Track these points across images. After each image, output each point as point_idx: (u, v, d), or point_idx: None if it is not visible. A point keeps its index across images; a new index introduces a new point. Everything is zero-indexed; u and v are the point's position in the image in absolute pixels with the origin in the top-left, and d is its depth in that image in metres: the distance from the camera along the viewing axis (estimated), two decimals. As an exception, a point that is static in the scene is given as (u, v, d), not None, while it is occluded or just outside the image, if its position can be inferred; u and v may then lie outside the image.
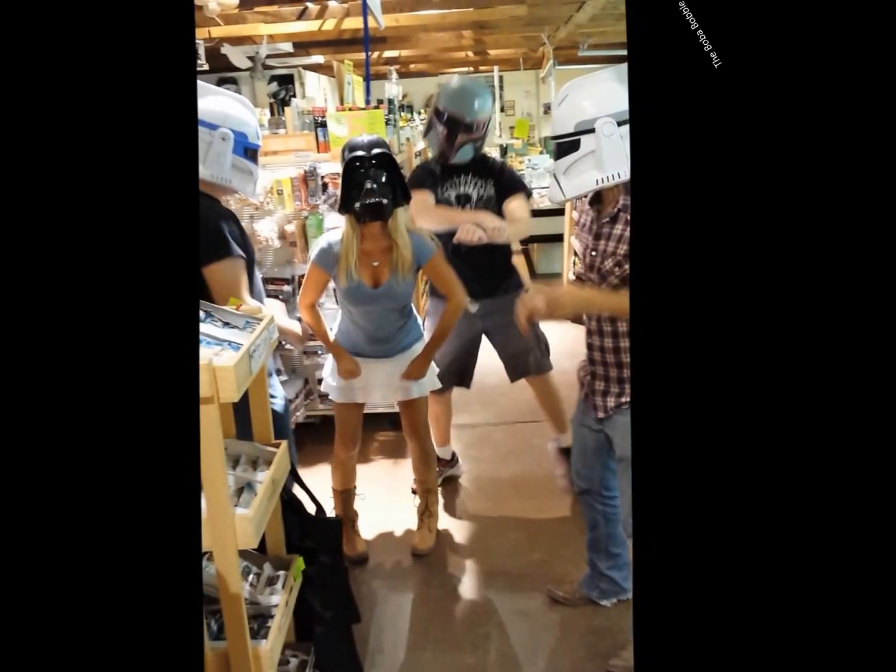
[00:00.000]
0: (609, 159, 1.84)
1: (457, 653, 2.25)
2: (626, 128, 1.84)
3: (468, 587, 2.57)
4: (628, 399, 1.97)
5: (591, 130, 1.84)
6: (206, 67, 5.80)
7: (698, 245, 0.89)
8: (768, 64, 0.85)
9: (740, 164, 0.87)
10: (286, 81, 7.76)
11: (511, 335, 2.88)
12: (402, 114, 5.12)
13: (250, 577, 1.72)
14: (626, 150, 1.85)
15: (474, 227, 2.58)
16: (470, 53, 9.40)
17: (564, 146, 1.90)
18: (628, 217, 1.91)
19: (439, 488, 3.05)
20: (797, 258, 0.86)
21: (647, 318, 0.92)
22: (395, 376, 2.57)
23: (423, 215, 2.73)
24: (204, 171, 2.09)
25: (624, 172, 1.86)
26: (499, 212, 2.78)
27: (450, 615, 2.44)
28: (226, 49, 5.37)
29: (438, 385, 2.73)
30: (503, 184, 2.82)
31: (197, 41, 5.55)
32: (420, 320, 2.71)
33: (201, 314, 1.66)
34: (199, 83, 2.21)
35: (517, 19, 6.37)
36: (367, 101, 3.86)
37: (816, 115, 0.84)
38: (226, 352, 1.51)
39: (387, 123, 3.62)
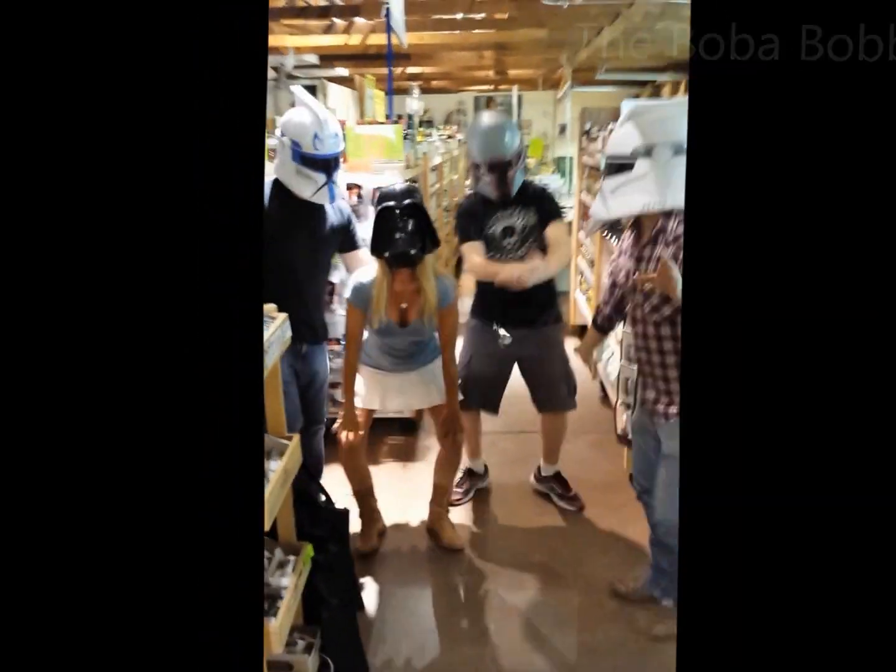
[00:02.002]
0: (660, 185, 1.92)
1: (457, 644, 2.34)
2: (682, 157, 1.91)
3: (470, 584, 2.67)
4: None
5: (648, 155, 1.92)
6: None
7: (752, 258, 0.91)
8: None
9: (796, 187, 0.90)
10: (310, 92, 7.90)
11: (544, 368, 2.98)
12: (422, 129, 5.25)
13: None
14: (677, 179, 1.91)
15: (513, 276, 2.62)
16: (490, 73, 9.57)
17: (617, 166, 1.98)
18: (667, 239, 1.99)
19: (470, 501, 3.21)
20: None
21: (698, 338, 0.95)
22: (416, 385, 2.72)
23: (472, 271, 2.86)
24: (278, 171, 2.43)
25: (671, 200, 1.93)
26: (541, 237, 2.83)
27: (451, 610, 2.54)
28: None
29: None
30: (544, 210, 2.83)
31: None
32: (437, 339, 2.79)
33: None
34: (299, 95, 2.47)
35: (537, 42, 6.51)
36: (389, 116, 3.97)
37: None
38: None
39: (405, 138, 3.75)
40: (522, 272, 2.60)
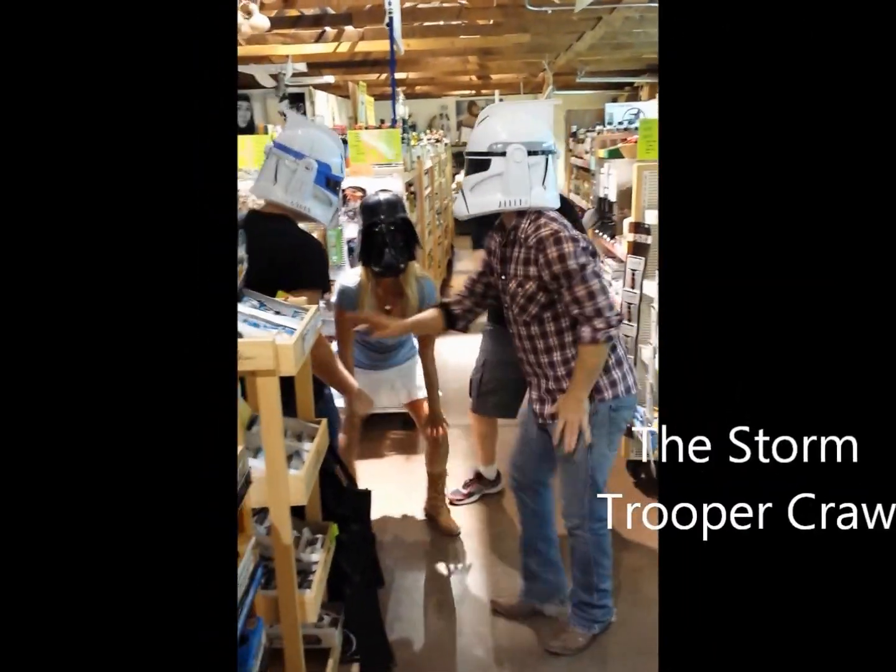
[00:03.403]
0: (514, 184, 1.96)
1: (469, 623, 2.47)
2: (535, 158, 1.97)
3: (478, 567, 2.80)
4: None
5: (503, 154, 1.95)
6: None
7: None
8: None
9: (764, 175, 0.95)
10: (297, 99, 8.04)
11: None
12: (414, 133, 5.37)
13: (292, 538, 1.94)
14: (531, 179, 1.97)
15: None
16: (473, 77, 9.73)
17: (475, 164, 2.01)
18: (520, 238, 2.03)
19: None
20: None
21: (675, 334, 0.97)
22: (396, 381, 2.85)
23: None
24: (285, 197, 2.21)
25: (525, 199, 1.97)
26: None
27: (462, 590, 2.66)
28: (252, 68, 5.64)
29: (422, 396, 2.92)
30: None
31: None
32: (414, 339, 2.92)
33: (256, 303, 1.90)
34: (296, 116, 2.39)
35: (520, 46, 6.68)
36: (395, 121, 4.07)
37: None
38: (281, 335, 1.74)
39: (401, 142, 3.88)
40: None
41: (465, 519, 3.12)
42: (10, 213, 0.86)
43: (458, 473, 3.40)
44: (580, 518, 2.17)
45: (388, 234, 2.48)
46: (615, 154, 4.04)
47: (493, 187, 1.98)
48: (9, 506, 0.83)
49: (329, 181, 2.29)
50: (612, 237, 3.83)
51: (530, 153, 1.95)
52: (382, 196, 2.59)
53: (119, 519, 0.87)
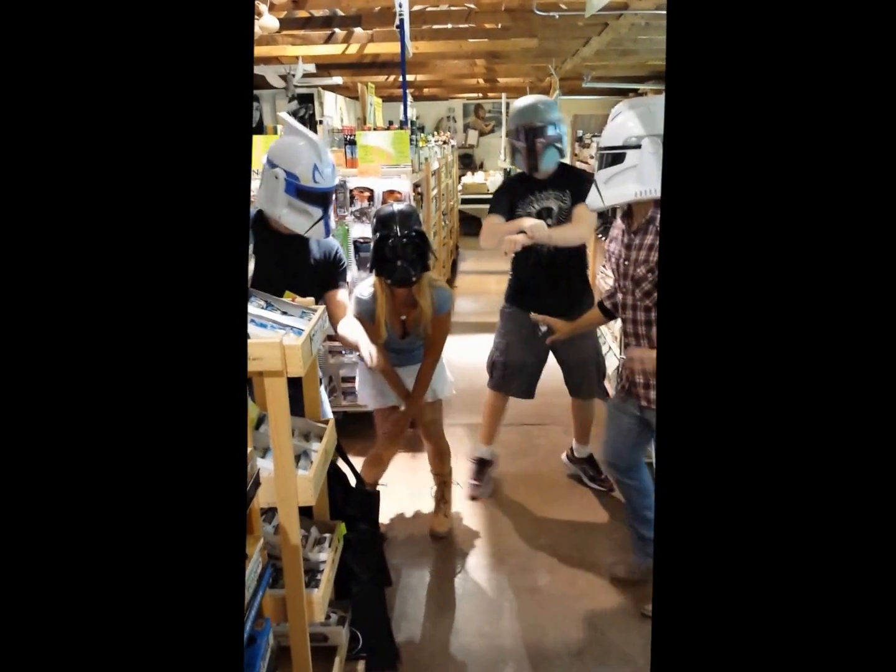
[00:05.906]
0: (649, 175, 2.07)
1: (474, 623, 2.48)
2: None
3: (483, 566, 2.80)
4: None
5: (638, 147, 2.07)
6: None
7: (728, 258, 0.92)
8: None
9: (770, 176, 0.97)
10: (306, 100, 8.06)
11: (577, 356, 3.09)
12: (422, 135, 5.39)
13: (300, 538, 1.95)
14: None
15: (513, 236, 2.78)
16: (480, 80, 9.74)
17: (610, 157, 2.13)
18: (657, 227, 2.13)
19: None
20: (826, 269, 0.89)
21: (674, 330, 0.95)
22: (411, 382, 2.85)
23: (485, 239, 2.97)
24: (263, 204, 2.27)
25: (658, 188, 2.07)
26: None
27: (467, 590, 2.67)
28: (262, 69, 5.66)
29: (448, 394, 3.00)
30: (579, 192, 2.75)
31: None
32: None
33: (263, 304, 1.92)
34: (290, 123, 2.35)
35: (528, 51, 6.69)
36: (405, 122, 4.09)
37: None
38: (288, 336, 1.75)
39: (409, 143, 3.90)
40: (533, 224, 2.76)
41: (472, 518, 3.14)
42: (14, 209, 0.86)
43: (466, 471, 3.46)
44: None
45: (400, 248, 2.48)
46: (621, 159, 4.05)
47: (627, 179, 2.10)
48: (11, 504, 0.83)
49: (300, 192, 2.23)
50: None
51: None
52: (397, 207, 2.57)
53: (127, 520, 0.87)
